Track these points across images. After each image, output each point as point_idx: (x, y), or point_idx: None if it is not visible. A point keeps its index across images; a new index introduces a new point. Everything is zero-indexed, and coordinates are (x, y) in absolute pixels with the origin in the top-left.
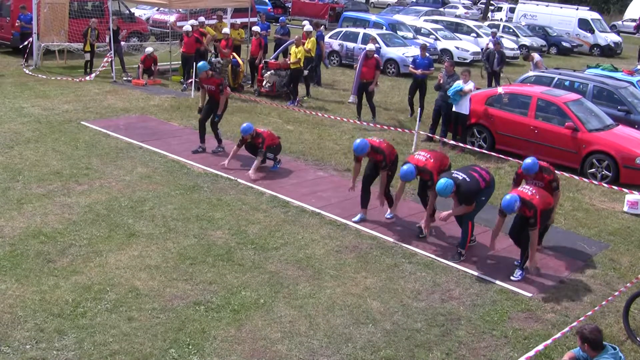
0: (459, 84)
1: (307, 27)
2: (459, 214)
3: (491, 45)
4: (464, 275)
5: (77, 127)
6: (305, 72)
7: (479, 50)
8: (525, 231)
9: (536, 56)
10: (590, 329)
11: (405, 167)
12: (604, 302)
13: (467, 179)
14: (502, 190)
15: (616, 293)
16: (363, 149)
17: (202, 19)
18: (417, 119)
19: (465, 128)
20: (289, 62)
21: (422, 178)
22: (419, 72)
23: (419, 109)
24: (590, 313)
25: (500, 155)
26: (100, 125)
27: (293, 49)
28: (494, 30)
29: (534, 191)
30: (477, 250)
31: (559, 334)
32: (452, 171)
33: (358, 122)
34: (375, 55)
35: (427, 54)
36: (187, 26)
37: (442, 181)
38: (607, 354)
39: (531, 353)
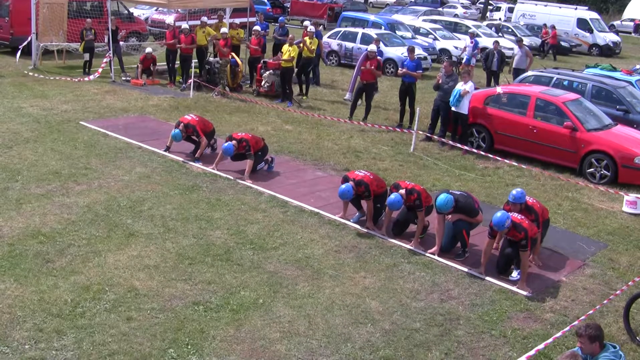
0: (458, 88)
1: (310, 27)
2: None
3: (468, 48)
4: (462, 275)
5: (75, 127)
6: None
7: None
8: (515, 251)
9: (525, 47)
10: (595, 326)
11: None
12: (605, 302)
13: (464, 194)
14: (501, 189)
15: (617, 292)
16: (347, 195)
17: (204, 18)
18: (416, 120)
19: (466, 128)
20: (280, 59)
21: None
22: (401, 71)
23: (410, 113)
24: (591, 312)
25: (500, 157)
26: (99, 125)
27: (286, 47)
28: (472, 31)
29: (522, 217)
30: (477, 250)
31: (559, 333)
32: (448, 189)
33: (349, 121)
34: (379, 57)
35: (417, 57)
36: (185, 25)
37: (442, 197)
38: (607, 352)
39: (532, 352)
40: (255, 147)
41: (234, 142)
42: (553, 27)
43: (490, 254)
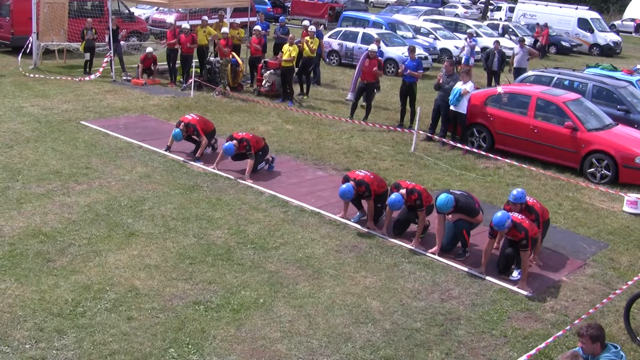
0: (458, 87)
1: (311, 27)
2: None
3: (467, 48)
4: (463, 274)
5: (76, 127)
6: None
7: (479, 49)
8: (515, 251)
9: (526, 47)
10: (597, 326)
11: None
12: (605, 301)
13: (464, 194)
14: (502, 189)
15: (618, 291)
16: (348, 195)
17: (205, 18)
18: (416, 120)
19: (465, 127)
20: (280, 59)
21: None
22: (401, 68)
23: (411, 113)
24: (592, 311)
25: (501, 157)
26: (99, 124)
27: (286, 47)
28: (470, 31)
29: (523, 216)
30: (478, 250)
31: (560, 332)
32: (448, 189)
33: (350, 121)
34: (379, 57)
35: (418, 57)
36: (185, 25)
37: (443, 197)
38: (609, 352)
39: (533, 352)
40: (256, 146)
41: (234, 141)
42: (545, 26)
43: (490, 254)
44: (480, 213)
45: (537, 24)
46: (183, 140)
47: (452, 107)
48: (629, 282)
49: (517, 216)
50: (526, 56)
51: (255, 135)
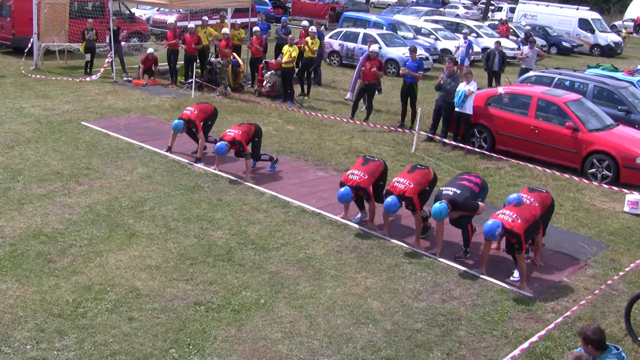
0: (462, 89)
1: (312, 28)
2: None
3: (462, 48)
4: (464, 275)
5: (77, 128)
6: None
7: (479, 50)
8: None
9: (536, 49)
10: (593, 329)
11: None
12: (590, 296)
13: (457, 191)
14: (503, 190)
15: (602, 287)
16: (346, 198)
17: (205, 18)
18: (417, 120)
19: (469, 128)
20: (281, 60)
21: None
22: (403, 69)
23: (411, 113)
24: (575, 308)
25: (502, 157)
26: (100, 125)
27: (286, 47)
28: (466, 31)
29: (515, 215)
30: (479, 250)
31: (544, 331)
32: (441, 188)
33: (351, 121)
34: (378, 58)
35: (419, 57)
36: (191, 25)
37: (437, 206)
38: (610, 354)
39: (516, 352)
40: (247, 139)
41: (226, 142)
42: (505, 22)
43: (489, 255)
44: (481, 204)
45: (500, 19)
46: (184, 142)
47: (457, 109)
48: (621, 273)
49: (508, 220)
50: (535, 57)
51: (243, 129)
